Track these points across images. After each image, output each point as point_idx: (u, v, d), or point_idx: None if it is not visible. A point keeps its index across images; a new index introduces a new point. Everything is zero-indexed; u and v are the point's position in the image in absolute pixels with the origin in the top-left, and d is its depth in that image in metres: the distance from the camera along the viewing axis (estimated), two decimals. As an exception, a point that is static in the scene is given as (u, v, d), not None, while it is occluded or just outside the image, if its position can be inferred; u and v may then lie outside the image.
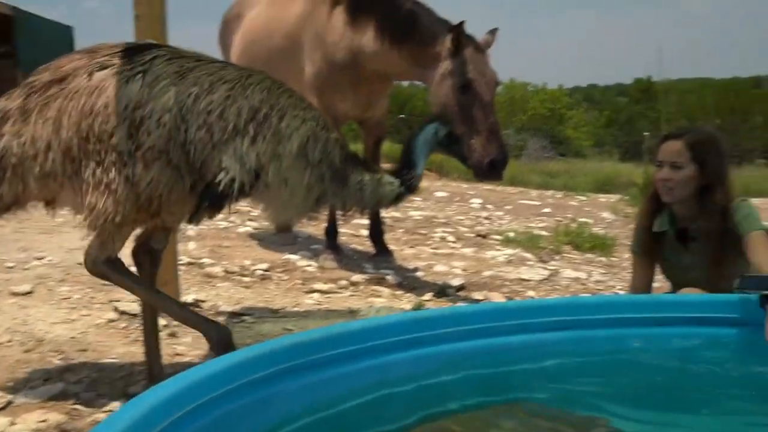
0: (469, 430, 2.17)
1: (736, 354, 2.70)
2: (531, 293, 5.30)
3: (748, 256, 3.07)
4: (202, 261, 5.61)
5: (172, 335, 3.86)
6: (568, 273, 6.01)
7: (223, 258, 5.80)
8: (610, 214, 10.03)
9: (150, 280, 3.19)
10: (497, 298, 5.05)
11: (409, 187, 3.10)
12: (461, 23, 4.75)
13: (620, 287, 5.70)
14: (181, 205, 2.90)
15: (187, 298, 4.54)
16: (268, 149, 2.82)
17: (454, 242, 7.04)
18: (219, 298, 4.69)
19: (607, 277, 6.02)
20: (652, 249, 3.39)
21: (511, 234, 7.35)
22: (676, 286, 3.39)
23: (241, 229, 7.13)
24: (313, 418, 2.25)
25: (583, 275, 5.97)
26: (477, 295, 5.12)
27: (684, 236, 3.30)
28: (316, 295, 4.93)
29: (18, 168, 2.84)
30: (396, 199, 3.13)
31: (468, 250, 6.70)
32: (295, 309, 4.60)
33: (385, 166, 3.38)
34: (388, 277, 5.41)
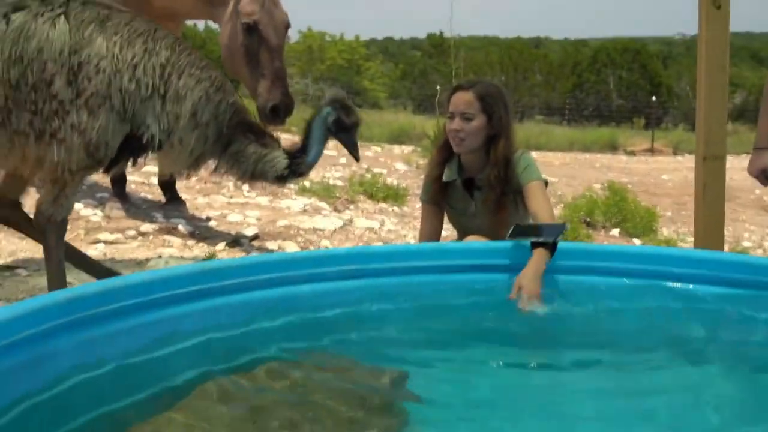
0: (256, 385, 2.14)
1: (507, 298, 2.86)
2: (325, 242, 5.35)
3: (527, 204, 3.26)
4: (-31, 210, 5.11)
5: None
6: (362, 222, 6.12)
7: (-6, 207, 5.32)
8: (404, 165, 10.33)
9: (23, 228, 3.30)
10: (291, 247, 5.05)
11: (296, 172, 3.03)
12: None
13: (412, 236, 5.90)
14: (115, 152, 2.83)
15: (-48, 251, 4.13)
16: (173, 110, 2.82)
17: (248, 191, 6.93)
18: (-11, 251, 4.31)
19: (399, 226, 6.20)
20: (440, 198, 3.50)
21: (307, 183, 7.36)
22: (463, 234, 3.54)
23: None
24: (92, 374, 2.12)
25: (376, 224, 6.11)
26: (271, 245, 5.08)
27: (470, 186, 3.44)
28: (101, 246, 4.67)
29: None
30: (278, 179, 3.04)
31: (263, 200, 6.63)
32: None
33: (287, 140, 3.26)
34: (180, 227, 5.22)
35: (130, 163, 3.03)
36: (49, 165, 2.78)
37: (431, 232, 3.52)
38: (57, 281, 3.06)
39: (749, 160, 3.12)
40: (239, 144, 2.99)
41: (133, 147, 2.87)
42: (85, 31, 2.72)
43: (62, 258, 3.06)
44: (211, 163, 3.06)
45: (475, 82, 3.42)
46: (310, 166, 3.08)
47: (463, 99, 3.32)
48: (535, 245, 2.85)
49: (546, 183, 3.34)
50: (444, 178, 3.45)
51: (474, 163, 3.40)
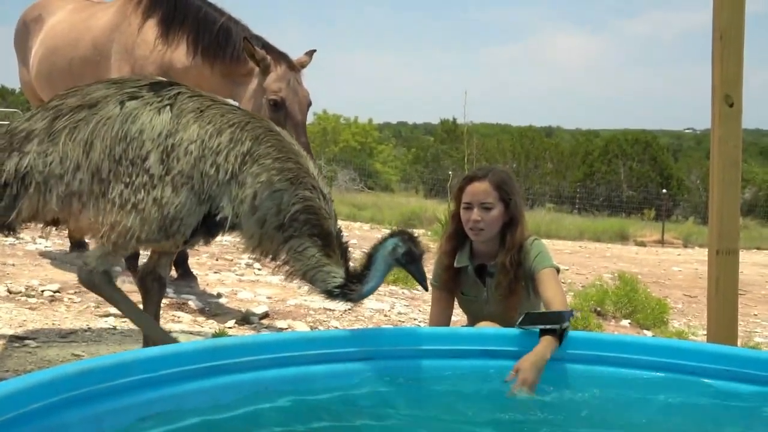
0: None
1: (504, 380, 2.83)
2: (335, 323, 5.32)
3: (540, 291, 3.25)
4: (-19, 279, 5.14)
5: None
6: (372, 304, 6.09)
7: (6, 277, 5.35)
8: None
9: (157, 306, 3.43)
10: (301, 327, 5.02)
11: (346, 296, 3.03)
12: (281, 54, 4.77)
13: (421, 319, 5.86)
14: (191, 229, 3.05)
15: (-38, 319, 4.13)
16: (240, 194, 3.00)
17: (260, 269, 6.93)
18: (-1, 320, 4.31)
19: (409, 309, 6.17)
20: (451, 284, 3.50)
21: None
22: (473, 320, 3.53)
23: (31, 247, 6.63)
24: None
25: (386, 306, 6.08)
26: (281, 324, 5.06)
27: (482, 272, 3.45)
28: (111, 319, 4.66)
29: (41, 186, 2.97)
30: (326, 293, 3.05)
31: (274, 278, 6.62)
32: (87, 333, 4.32)
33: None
34: (190, 303, 5.23)
35: (203, 240, 3.24)
36: (120, 229, 2.97)
37: (441, 318, 3.51)
38: (146, 323, 3.29)
39: None
40: (300, 243, 3.03)
41: (208, 227, 3.08)
42: (183, 118, 3.01)
43: (128, 299, 3.23)
44: (271, 252, 3.13)
45: (488, 170, 3.46)
46: (363, 297, 3.06)
47: (481, 189, 3.35)
48: (543, 332, 2.85)
49: (558, 270, 3.34)
50: (456, 265, 3.46)
51: (487, 249, 3.41)
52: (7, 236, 3.33)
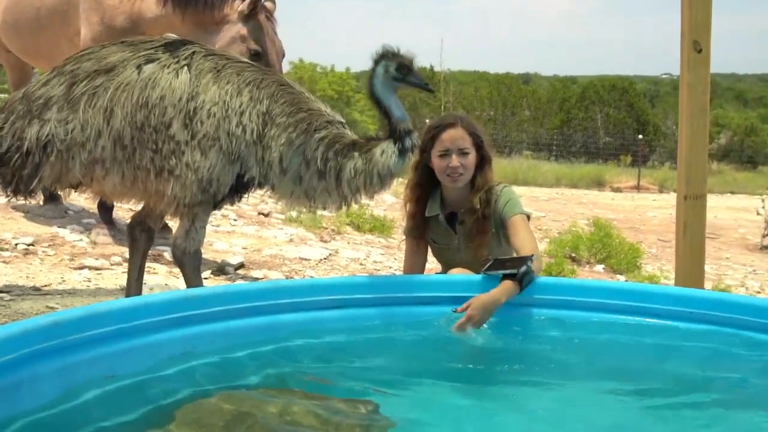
0: (239, 410, 2.16)
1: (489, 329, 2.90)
2: (310, 272, 5.37)
3: (510, 238, 3.29)
4: (-46, 233, 5.11)
5: None
6: (348, 253, 6.14)
7: (-21, 231, 5.32)
8: (391, 196, 10.38)
9: (143, 255, 3.47)
10: (277, 276, 5.06)
11: (402, 136, 3.03)
12: None
13: (397, 267, 5.92)
14: (228, 188, 3.10)
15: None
16: (267, 157, 3.06)
17: (235, 220, 6.94)
18: (-28, 275, 4.30)
19: (384, 258, 6.23)
20: (423, 232, 3.53)
21: (294, 213, 7.39)
22: (447, 267, 3.57)
23: (2, 200, 6.56)
24: (72, 403, 2.13)
25: (361, 255, 6.14)
26: (256, 274, 5.10)
27: (453, 220, 3.48)
28: (85, 272, 4.67)
29: (63, 153, 2.99)
30: (401, 156, 3.05)
31: (250, 229, 6.65)
32: (61, 286, 4.32)
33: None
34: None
35: (232, 201, 3.28)
36: (167, 199, 3.06)
37: (415, 266, 3.55)
38: None
39: None
40: (348, 167, 3.07)
41: (238, 185, 3.13)
42: (203, 79, 3.02)
43: (200, 278, 3.28)
44: (334, 197, 3.15)
45: (454, 116, 3.49)
46: (406, 121, 3.07)
47: (458, 135, 3.36)
48: (504, 277, 2.90)
49: (528, 216, 3.38)
50: (426, 213, 3.48)
51: (458, 196, 3.43)
52: (25, 200, 3.33)
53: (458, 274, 3.25)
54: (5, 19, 5.71)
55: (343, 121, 3.19)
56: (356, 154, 3.08)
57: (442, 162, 3.37)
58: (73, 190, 3.29)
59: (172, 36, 3.26)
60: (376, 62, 3.05)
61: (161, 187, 3.04)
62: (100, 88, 3.00)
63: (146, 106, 2.98)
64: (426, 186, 3.48)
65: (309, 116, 3.11)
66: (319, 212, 7.63)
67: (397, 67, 3.02)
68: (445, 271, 3.58)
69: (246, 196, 3.28)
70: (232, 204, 3.38)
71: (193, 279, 3.19)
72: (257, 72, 3.16)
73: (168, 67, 3.02)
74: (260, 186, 3.16)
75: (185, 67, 3.03)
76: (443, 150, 3.37)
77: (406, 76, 3.04)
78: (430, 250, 3.63)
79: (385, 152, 3.05)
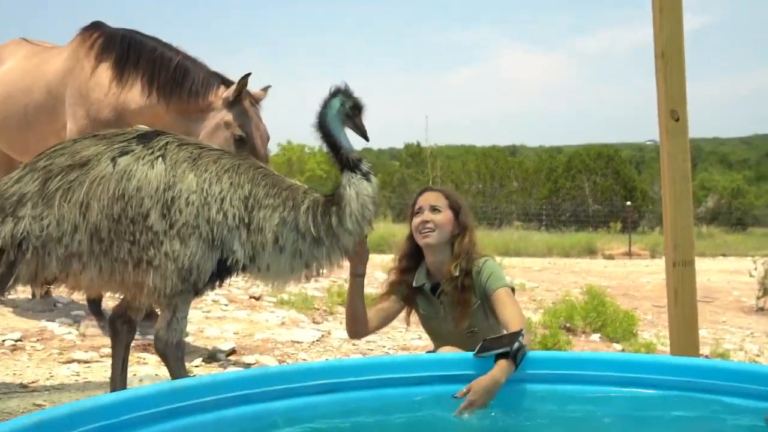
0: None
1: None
2: (303, 355, 5.31)
3: (497, 312, 3.26)
4: (-59, 332, 5.05)
5: None
6: (340, 333, 6.08)
7: (-33, 328, 5.26)
8: (383, 273, 10.34)
9: (126, 347, 3.44)
10: (269, 361, 5.00)
11: (357, 164, 3.10)
12: (247, 75, 4.78)
13: (390, 347, 5.87)
14: (208, 275, 3.07)
15: None
16: (258, 240, 3.06)
17: (226, 305, 6.90)
18: (-41, 373, 4.23)
19: (378, 336, 6.16)
20: (410, 300, 3.53)
21: (285, 296, 7.34)
22: (434, 337, 3.58)
23: (6, 295, 6.51)
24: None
25: (354, 335, 6.06)
26: (248, 359, 5.03)
27: (437, 290, 3.46)
28: (74, 366, 4.60)
29: (39, 250, 2.96)
30: (368, 180, 3.10)
31: (241, 313, 6.60)
32: (49, 382, 4.25)
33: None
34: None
35: (214, 286, 3.24)
36: (147, 290, 3.02)
37: (376, 317, 3.52)
38: None
39: None
40: (334, 221, 3.10)
41: (220, 270, 3.09)
42: (178, 169, 3.02)
43: (185, 369, 3.23)
44: (336, 255, 3.18)
45: (438, 187, 3.57)
46: (354, 151, 3.12)
47: (432, 195, 3.49)
48: (498, 357, 2.87)
49: (513, 289, 3.36)
50: (414, 284, 3.49)
51: (440, 265, 3.44)
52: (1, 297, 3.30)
53: (450, 352, 3.22)
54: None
55: (310, 188, 3.24)
56: (333, 208, 3.11)
57: (416, 219, 3.43)
58: (49, 286, 3.26)
59: (144, 127, 3.26)
60: (333, 95, 3.11)
61: (140, 279, 3.01)
62: (75, 182, 2.98)
63: (123, 198, 2.96)
64: (412, 257, 3.51)
65: (290, 192, 3.14)
66: (311, 292, 7.61)
67: (352, 106, 3.10)
68: (433, 341, 3.60)
69: (227, 281, 3.25)
70: (212, 290, 3.34)
71: (177, 370, 3.13)
72: (233, 158, 3.18)
73: (143, 158, 3.02)
74: (244, 269, 3.13)
75: (160, 158, 3.03)
76: (417, 209, 3.46)
77: (355, 117, 3.12)
78: (418, 320, 3.61)
79: (352, 183, 3.09)
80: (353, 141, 3.17)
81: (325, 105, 3.11)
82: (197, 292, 3.14)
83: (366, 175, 3.12)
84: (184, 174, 3.02)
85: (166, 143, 3.10)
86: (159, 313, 3.16)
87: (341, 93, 3.12)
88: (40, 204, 2.97)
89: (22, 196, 3.00)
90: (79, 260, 2.99)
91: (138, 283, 3.03)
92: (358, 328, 3.50)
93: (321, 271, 3.25)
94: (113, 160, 3.01)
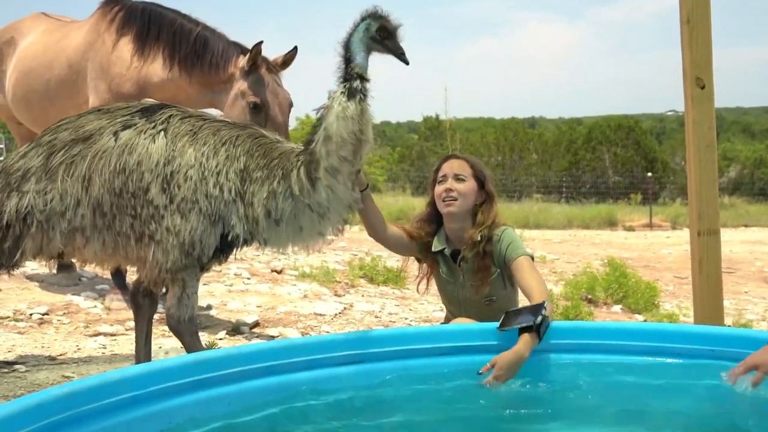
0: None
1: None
2: (326, 328, 5.33)
3: (518, 281, 3.26)
4: (-31, 306, 5.12)
5: None
6: (362, 306, 6.11)
7: (-7, 302, 5.33)
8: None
9: (149, 321, 3.47)
10: (292, 333, 5.03)
11: (352, 77, 2.88)
12: (260, 43, 4.72)
13: (412, 319, 5.88)
14: (212, 250, 3.04)
15: (-50, 348, 4.12)
16: (251, 214, 3.01)
17: (248, 278, 6.94)
18: (-12, 347, 4.29)
19: (400, 309, 6.18)
20: (428, 258, 3.52)
21: (307, 269, 7.38)
22: (449, 303, 3.59)
23: (16, 270, 6.59)
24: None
25: (376, 308, 6.10)
26: (271, 332, 5.07)
27: (457, 256, 3.46)
28: (101, 339, 4.65)
29: (43, 224, 2.99)
30: (350, 98, 2.86)
31: (263, 286, 6.63)
32: (77, 354, 4.31)
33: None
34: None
35: (219, 261, 3.21)
36: (149, 264, 3.02)
37: (398, 234, 3.50)
38: None
39: None
40: (322, 181, 2.97)
41: (222, 245, 3.07)
42: (178, 143, 3.00)
43: (200, 343, 3.24)
44: (324, 218, 3.06)
45: (461, 154, 3.54)
46: (364, 68, 2.92)
47: (457, 163, 3.45)
48: (522, 330, 2.86)
49: (532, 257, 3.34)
50: (433, 249, 3.48)
51: (461, 232, 3.42)
52: (8, 274, 3.31)
53: (470, 323, 3.22)
54: (15, 92, 5.81)
55: (300, 146, 3.10)
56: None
57: (439, 188, 3.40)
58: (53, 259, 3.25)
59: (150, 101, 3.24)
60: (362, 19, 2.94)
61: (142, 253, 3.01)
62: (77, 156, 3.00)
63: (124, 172, 2.96)
64: (431, 222, 3.49)
65: (280, 161, 3.04)
66: (332, 266, 7.63)
67: (378, 29, 2.90)
68: (447, 306, 3.64)
69: (233, 255, 3.23)
70: (219, 264, 3.32)
71: (192, 346, 3.13)
72: (233, 129, 3.12)
73: (144, 132, 3.01)
74: (246, 243, 3.10)
75: (161, 132, 3.02)
76: (441, 177, 3.43)
77: (385, 39, 2.92)
78: (435, 283, 3.60)
79: (334, 101, 2.89)
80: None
81: (353, 28, 2.93)
82: (202, 267, 3.12)
83: (352, 93, 2.87)
84: (184, 148, 3.00)
85: (169, 116, 3.08)
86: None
87: (369, 16, 2.92)
88: (43, 179, 3.00)
89: (26, 170, 3.03)
90: (83, 234, 3.01)
91: (141, 257, 3.04)
92: (376, 227, 3.44)
93: (340, 227, 3.16)
94: (115, 134, 3.02)
